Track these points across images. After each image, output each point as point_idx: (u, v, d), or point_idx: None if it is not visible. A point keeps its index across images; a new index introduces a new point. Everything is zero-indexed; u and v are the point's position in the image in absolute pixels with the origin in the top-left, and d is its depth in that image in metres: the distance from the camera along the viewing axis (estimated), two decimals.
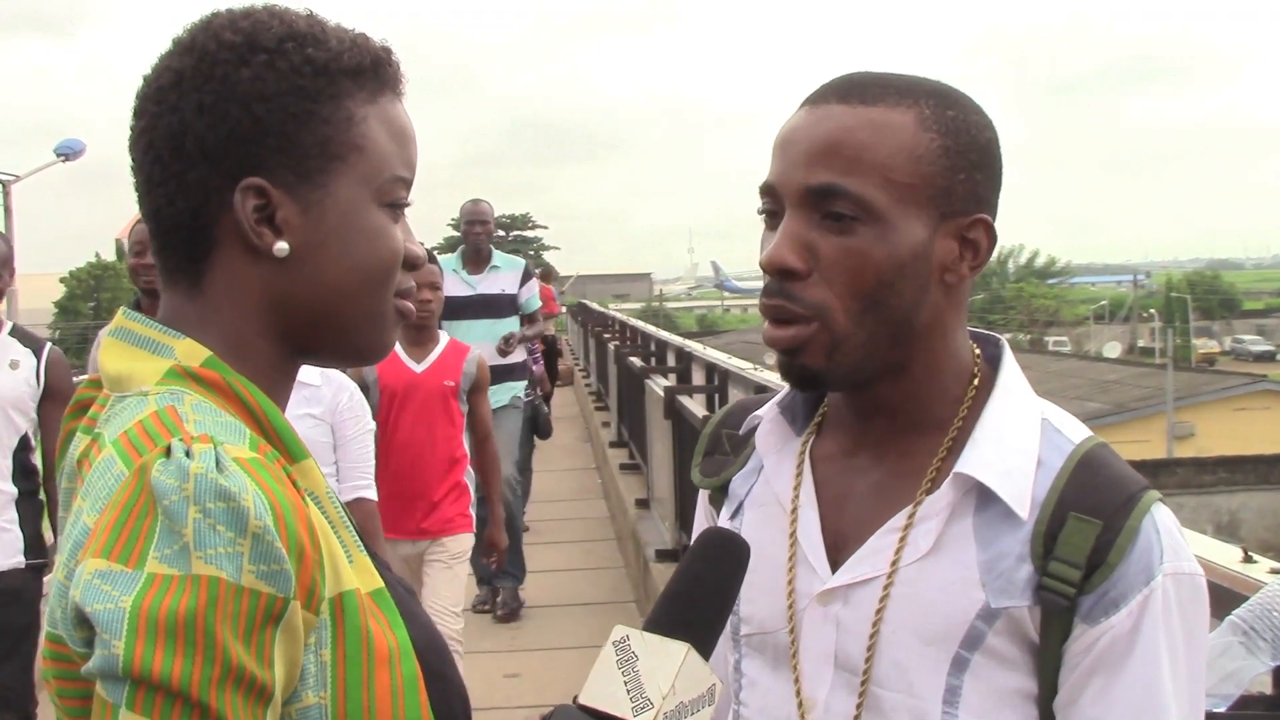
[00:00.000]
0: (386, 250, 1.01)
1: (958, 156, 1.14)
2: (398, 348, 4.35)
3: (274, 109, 0.95)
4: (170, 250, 0.99)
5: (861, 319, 1.14)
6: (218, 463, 0.84)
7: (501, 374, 6.38)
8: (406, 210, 1.04)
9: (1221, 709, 1.77)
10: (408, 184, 1.03)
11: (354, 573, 0.93)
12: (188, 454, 0.84)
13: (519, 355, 6.83)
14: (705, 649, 1.00)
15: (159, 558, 0.81)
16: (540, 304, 6.89)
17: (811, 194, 1.14)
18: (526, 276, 6.90)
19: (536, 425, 8.38)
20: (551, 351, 12.19)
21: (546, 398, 13.97)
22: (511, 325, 6.74)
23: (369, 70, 1.00)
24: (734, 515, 1.31)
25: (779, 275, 1.15)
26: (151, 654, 0.79)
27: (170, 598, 0.80)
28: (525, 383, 6.99)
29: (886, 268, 1.13)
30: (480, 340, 5.92)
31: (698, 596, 1.03)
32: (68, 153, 17.78)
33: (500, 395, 6.32)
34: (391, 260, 1.01)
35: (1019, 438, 1.16)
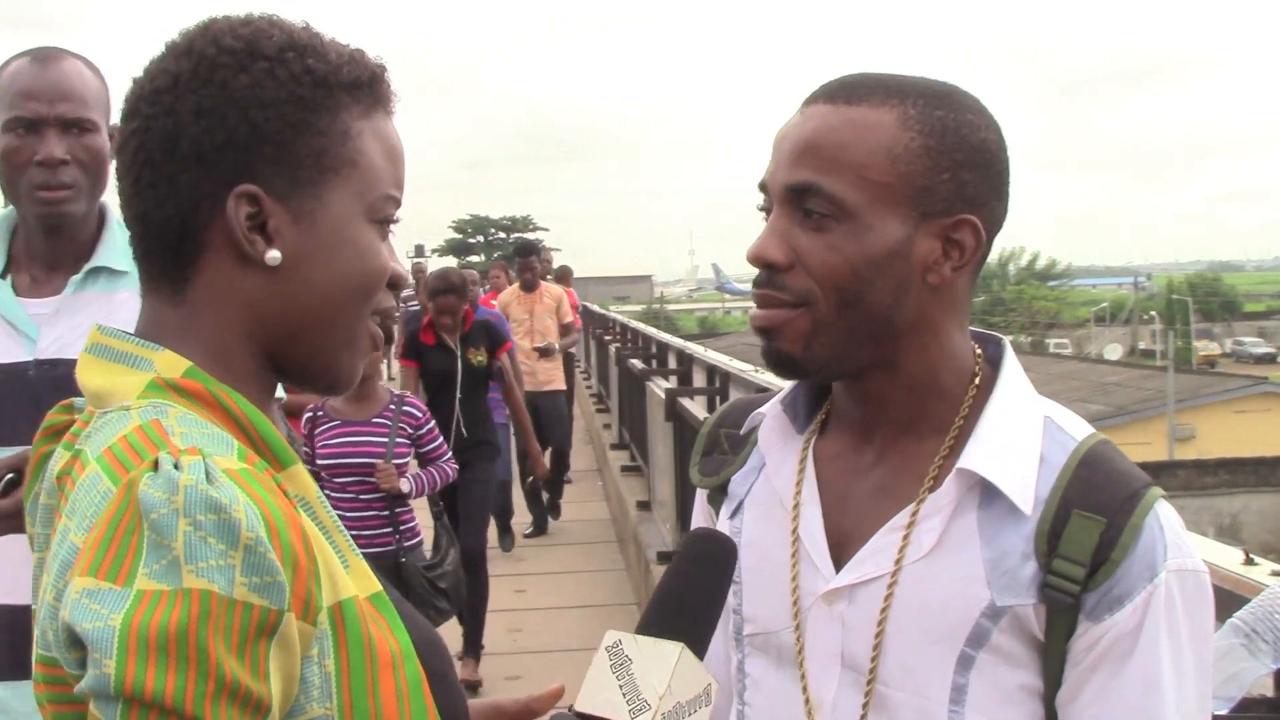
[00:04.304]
0: (374, 266, 1.00)
1: (941, 156, 1.14)
2: None
3: (271, 117, 0.95)
4: (155, 256, 0.98)
5: (843, 312, 1.15)
6: (208, 474, 0.82)
7: None
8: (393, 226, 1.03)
9: (1223, 711, 1.77)
10: (397, 203, 1.02)
11: (351, 578, 0.92)
12: (176, 466, 0.82)
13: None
14: (699, 648, 1.00)
15: (148, 573, 0.79)
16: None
17: (792, 191, 1.16)
18: None
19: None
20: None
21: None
22: None
23: (365, 86, 1.00)
24: (734, 514, 1.31)
25: (763, 268, 1.18)
26: (143, 672, 0.77)
27: (160, 613, 0.78)
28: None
29: (862, 265, 1.14)
30: None
31: (688, 596, 1.04)
32: None
33: None
34: (378, 276, 1.01)
35: (1021, 435, 1.16)
